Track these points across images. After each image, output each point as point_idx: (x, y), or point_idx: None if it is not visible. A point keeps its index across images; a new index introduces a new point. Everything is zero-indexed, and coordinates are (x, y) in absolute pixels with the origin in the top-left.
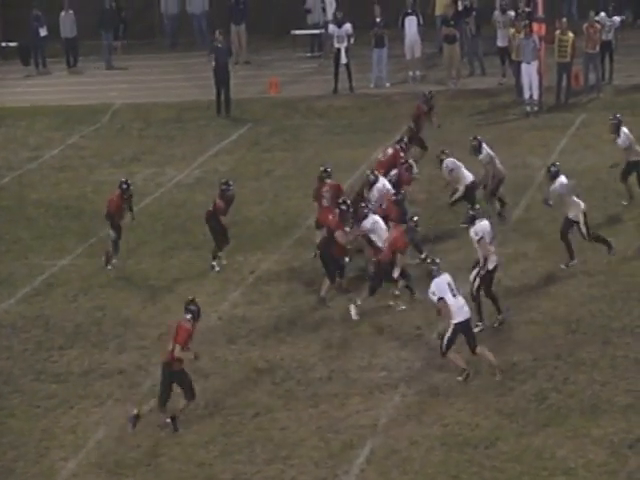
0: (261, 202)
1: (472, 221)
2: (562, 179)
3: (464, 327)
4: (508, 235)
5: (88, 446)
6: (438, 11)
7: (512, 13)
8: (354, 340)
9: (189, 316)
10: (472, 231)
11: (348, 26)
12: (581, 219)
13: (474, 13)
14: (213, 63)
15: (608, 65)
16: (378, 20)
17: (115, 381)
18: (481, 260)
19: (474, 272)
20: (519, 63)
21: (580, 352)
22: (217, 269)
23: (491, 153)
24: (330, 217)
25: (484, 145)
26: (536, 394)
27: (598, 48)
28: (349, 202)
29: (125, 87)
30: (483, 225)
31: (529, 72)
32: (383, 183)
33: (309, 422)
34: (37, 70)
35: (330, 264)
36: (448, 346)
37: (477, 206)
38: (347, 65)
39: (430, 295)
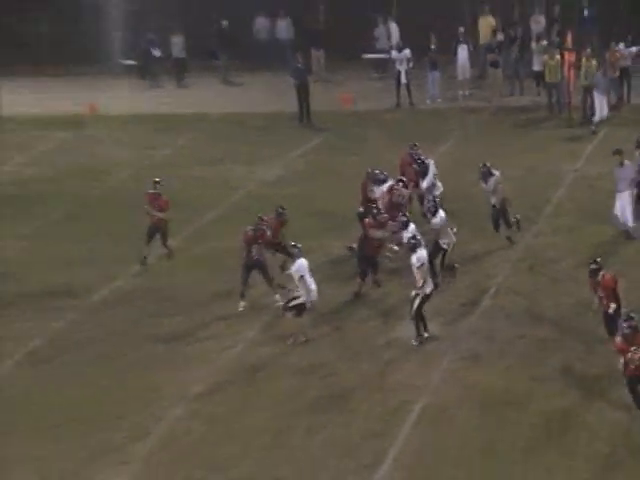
0: (332, 197)
1: (414, 248)
2: (441, 213)
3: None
4: (541, 224)
5: (188, 398)
6: (482, 40)
7: (545, 42)
8: (409, 315)
9: None
10: (414, 258)
11: (408, 51)
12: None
13: (517, 42)
14: (295, 81)
15: (626, 87)
16: (433, 47)
17: (210, 345)
18: (419, 284)
19: (413, 294)
20: (552, 84)
21: (600, 329)
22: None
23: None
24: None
25: (492, 169)
26: (563, 363)
27: (618, 73)
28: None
29: (223, 99)
30: (423, 254)
31: (600, 101)
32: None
33: (372, 382)
34: (151, 84)
35: (362, 261)
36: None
37: (518, 216)
38: (407, 84)
39: (293, 272)
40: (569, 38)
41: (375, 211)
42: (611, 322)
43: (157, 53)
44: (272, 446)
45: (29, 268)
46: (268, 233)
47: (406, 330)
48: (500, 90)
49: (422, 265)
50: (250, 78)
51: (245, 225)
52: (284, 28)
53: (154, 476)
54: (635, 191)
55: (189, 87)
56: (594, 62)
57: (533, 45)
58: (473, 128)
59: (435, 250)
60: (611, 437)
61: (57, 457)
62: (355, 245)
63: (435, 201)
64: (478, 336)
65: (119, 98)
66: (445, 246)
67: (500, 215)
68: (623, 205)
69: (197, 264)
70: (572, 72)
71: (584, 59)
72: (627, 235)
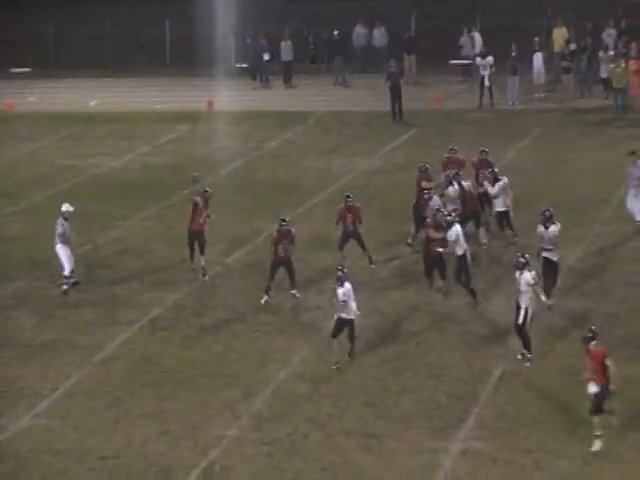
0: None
1: (523, 267)
2: (457, 227)
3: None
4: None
5: (294, 362)
6: (556, 49)
7: (612, 52)
8: (494, 296)
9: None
10: (528, 275)
11: (490, 58)
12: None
13: (587, 51)
14: (388, 83)
15: None
16: (513, 54)
17: (315, 315)
18: (528, 301)
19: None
20: (618, 89)
21: None
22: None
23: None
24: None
25: (499, 175)
26: (626, 336)
27: None
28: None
29: (327, 98)
30: (532, 273)
31: None
32: (468, 183)
33: (458, 350)
34: (261, 85)
35: (425, 261)
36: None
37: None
38: (489, 87)
39: (340, 296)
40: (634, 48)
41: (436, 212)
42: None
43: (267, 57)
44: (368, 404)
45: (150, 245)
46: (293, 232)
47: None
48: (571, 94)
49: (537, 283)
50: (350, 80)
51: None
52: (379, 36)
53: (263, 430)
54: None
55: (295, 87)
56: None
57: (601, 54)
58: (548, 127)
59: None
60: None
61: (176, 413)
62: (410, 240)
63: (450, 214)
64: (555, 312)
65: (233, 96)
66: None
67: (504, 220)
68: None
69: (300, 243)
70: (636, 79)
71: None
72: None
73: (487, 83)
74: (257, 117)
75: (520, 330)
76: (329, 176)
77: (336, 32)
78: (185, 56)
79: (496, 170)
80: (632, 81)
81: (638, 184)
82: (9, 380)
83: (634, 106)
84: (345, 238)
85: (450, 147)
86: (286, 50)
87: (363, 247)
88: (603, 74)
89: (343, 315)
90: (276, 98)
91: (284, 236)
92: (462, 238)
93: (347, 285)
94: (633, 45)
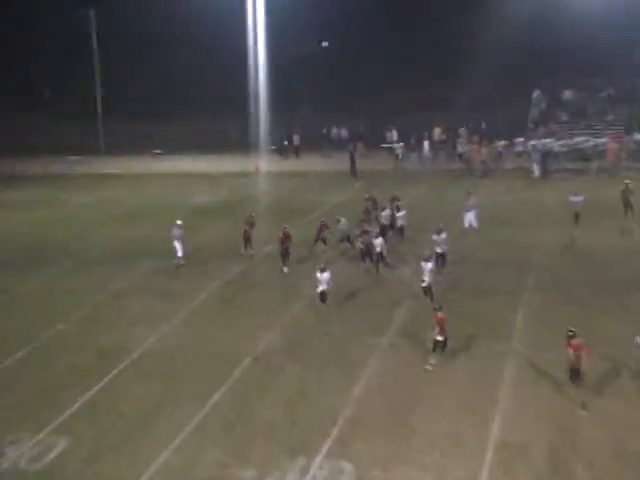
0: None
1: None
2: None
3: None
4: None
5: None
6: (435, 138)
7: (463, 140)
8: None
9: None
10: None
11: (401, 144)
12: None
13: (450, 140)
14: (349, 155)
15: None
16: (412, 142)
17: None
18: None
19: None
20: (466, 159)
21: None
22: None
23: None
24: None
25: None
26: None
27: None
28: None
29: (320, 165)
30: None
31: None
32: None
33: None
34: (283, 157)
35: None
36: None
37: None
38: (401, 159)
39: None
40: (474, 138)
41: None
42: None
43: (285, 142)
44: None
45: (226, 244)
46: (290, 233)
47: None
48: (444, 162)
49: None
50: (330, 155)
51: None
52: (344, 132)
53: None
54: None
55: (302, 159)
56: None
57: (457, 142)
58: (431, 179)
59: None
60: None
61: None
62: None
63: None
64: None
65: (268, 163)
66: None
67: (403, 232)
68: None
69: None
70: (476, 151)
71: None
72: None
73: (400, 157)
74: (280, 175)
75: (429, 290)
76: (319, 202)
77: (324, 130)
78: (227, 144)
79: (400, 203)
80: (475, 154)
81: (472, 210)
82: None
83: (476, 170)
84: (321, 240)
85: (374, 192)
86: (296, 139)
87: (324, 243)
88: (460, 151)
89: (323, 288)
90: (290, 164)
91: (287, 236)
92: (380, 243)
93: (327, 273)
94: (474, 138)
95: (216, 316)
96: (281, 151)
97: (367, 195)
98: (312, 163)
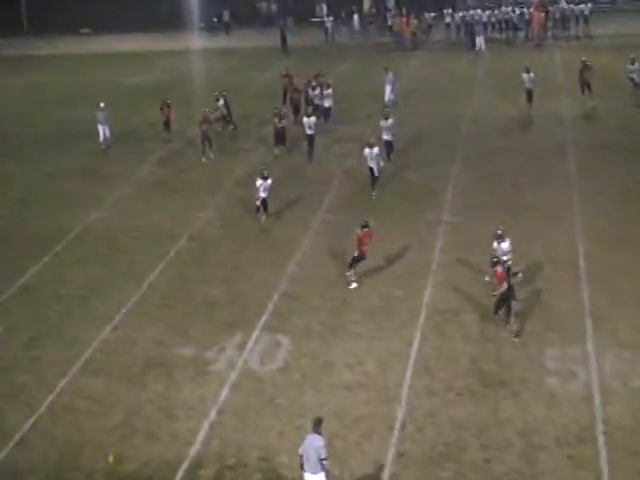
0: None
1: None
2: None
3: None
4: None
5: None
6: (365, 11)
7: (393, 13)
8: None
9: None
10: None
11: (332, 18)
12: None
13: (381, 13)
14: (280, 33)
15: None
16: (342, 16)
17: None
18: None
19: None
20: (395, 32)
21: None
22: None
23: None
24: None
25: None
26: None
27: None
28: None
29: (250, 41)
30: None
31: None
32: None
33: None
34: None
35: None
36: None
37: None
38: (332, 33)
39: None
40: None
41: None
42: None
43: (215, 19)
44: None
45: (159, 126)
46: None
47: None
48: (374, 36)
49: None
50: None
51: None
52: (273, 7)
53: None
54: None
55: (232, 36)
56: None
57: (388, 15)
58: (360, 53)
59: None
60: None
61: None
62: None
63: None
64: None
65: (198, 41)
66: None
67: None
68: None
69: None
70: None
71: None
72: None
73: (330, 31)
74: (219, 53)
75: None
76: (251, 80)
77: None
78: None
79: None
80: (402, 28)
81: (390, 86)
82: None
83: (406, 42)
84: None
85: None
86: (226, 15)
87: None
88: (389, 23)
89: (264, 196)
90: (226, 41)
91: (206, 120)
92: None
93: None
94: (403, 11)
95: (150, 197)
96: (210, 28)
97: (284, 72)
98: (242, 40)
